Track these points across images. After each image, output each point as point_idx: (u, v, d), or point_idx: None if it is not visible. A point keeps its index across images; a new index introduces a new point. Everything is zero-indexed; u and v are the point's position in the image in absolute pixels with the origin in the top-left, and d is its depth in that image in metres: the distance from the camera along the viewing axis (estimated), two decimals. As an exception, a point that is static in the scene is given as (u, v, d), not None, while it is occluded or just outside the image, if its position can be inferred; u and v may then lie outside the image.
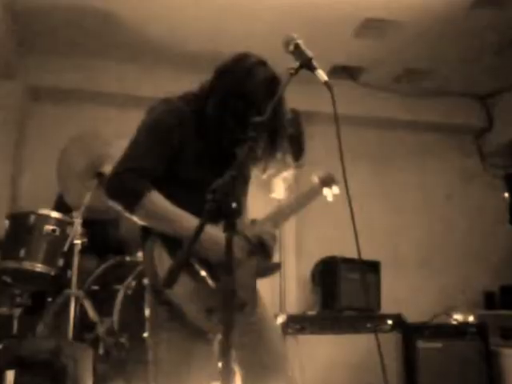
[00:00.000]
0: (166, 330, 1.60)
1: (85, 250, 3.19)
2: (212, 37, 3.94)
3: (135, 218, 1.60)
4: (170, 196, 1.59)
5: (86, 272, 3.26)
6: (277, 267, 1.84)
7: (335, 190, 1.98)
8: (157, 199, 1.57)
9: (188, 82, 1.77)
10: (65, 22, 3.81)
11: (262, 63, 1.71)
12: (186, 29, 3.91)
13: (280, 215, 1.88)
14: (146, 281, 1.72)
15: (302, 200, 1.94)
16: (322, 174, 1.99)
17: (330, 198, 1.99)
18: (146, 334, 1.69)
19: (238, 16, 3.74)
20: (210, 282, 1.57)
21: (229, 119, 1.64)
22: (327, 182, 1.98)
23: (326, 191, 1.98)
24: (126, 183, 1.56)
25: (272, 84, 1.63)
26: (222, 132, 1.66)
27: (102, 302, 3.16)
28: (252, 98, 1.61)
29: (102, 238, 3.48)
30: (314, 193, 1.96)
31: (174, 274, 1.17)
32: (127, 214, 1.59)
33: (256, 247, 1.70)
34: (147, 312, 1.67)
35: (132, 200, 1.55)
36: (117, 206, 1.57)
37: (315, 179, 1.97)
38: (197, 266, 1.57)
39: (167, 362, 1.60)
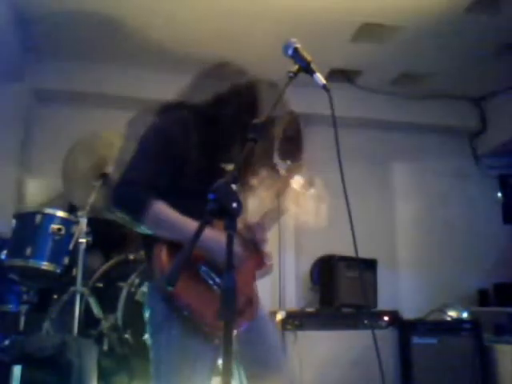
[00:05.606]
0: (165, 329, 1.59)
1: (89, 248, 3.25)
2: (213, 40, 4.01)
3: (142, 227, 1.61)
4: (172, 205, 1.60)
5: (91, 270, 3.32)
6: (270, 268, 1.89)
7: (298, 178, 2.07)
8: (162, 208, 1.58)
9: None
10: (71, 27, 3.88)
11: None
12: (188, 32, 3.96)
13: (271, 215, 1.93)
14: (149, 283, 1.73)
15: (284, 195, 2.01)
16: (287, 168, 2.10)
17: (295, 186, 2.10)
18: (146, 336, 1.68)
19: (238, 21, 3.82)
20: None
21: (240, 135, 1.64)
22: (292, 173, 2.08)
23: (292, 182, 2.07)
24: (131, 194, 1.58)
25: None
26: (232, 145, 1.69)
27: (107, 299, 3.21)
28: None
29: (107, 236, 3.53)
30: (285, 186, 2.04)
31: (174, 273, 1.18)
32: (133, 224, 1.61)
33: (251, 247, 1.75)
34: (147, 313, 1.68)
35: (138, 210, 1.56)
36: (123, 215, 1.59)
37: (284, 173, 2.06)
38: (209, 272, 1.61)
39: (167, 362, 1.60)
